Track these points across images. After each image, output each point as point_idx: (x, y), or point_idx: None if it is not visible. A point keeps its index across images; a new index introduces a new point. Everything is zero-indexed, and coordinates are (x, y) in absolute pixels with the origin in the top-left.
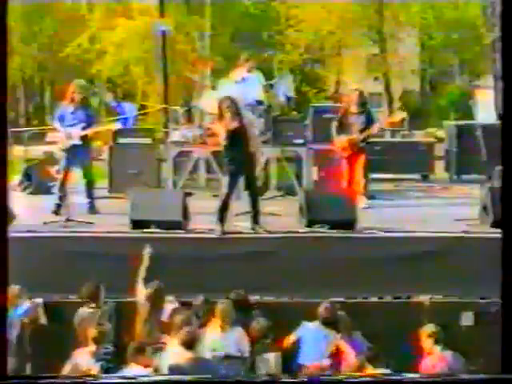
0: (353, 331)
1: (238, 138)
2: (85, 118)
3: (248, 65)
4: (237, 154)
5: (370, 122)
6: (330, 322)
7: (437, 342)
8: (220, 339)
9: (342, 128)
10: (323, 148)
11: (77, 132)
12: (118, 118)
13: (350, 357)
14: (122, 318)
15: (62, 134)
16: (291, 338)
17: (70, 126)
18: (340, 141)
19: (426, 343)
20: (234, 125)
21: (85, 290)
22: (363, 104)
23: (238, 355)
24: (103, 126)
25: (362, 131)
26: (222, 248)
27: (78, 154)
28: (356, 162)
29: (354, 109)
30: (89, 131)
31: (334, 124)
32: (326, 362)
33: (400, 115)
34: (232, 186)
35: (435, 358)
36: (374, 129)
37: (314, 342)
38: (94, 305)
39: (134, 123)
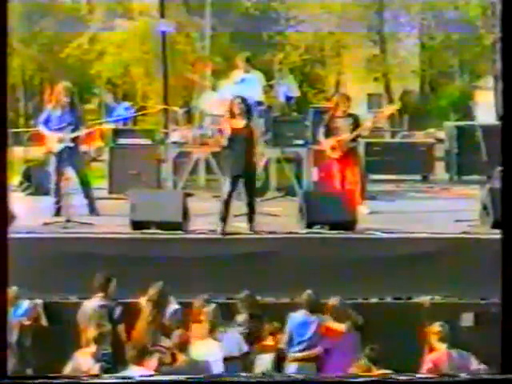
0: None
1: (241, 138)
2: (74, 120)
3: (246, 65)
4: (238, 154)
5: (356, 124)
6: (314, 309)
7: (442, 340)
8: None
9: (330, 132)
10: (323, 149)
11: (68, 134)
12: (112, 118)
13: (342, 335)
14: (123, 319)
15: (51, 137)
16: (284, 336)
17: (59, 129)
18: (329, 143)
19: (432, 341)
20: (243, 123)
21: (96, 280)
22: (349, 109)
23: (238, 354)
24: (96, 127)
25: (350, 132)
26: (222, 249)
27: (71, 155)
28: (350, 163)
29: (340, 112)
30: (81, 133)
31: (321, 129)
32: (319, 350)
33: (392, 107)
34: (233, 186)
35: (441, 355)
36: (364, 128)
37: (301, 328)
38: (102, 294)
39: (129, 123)
